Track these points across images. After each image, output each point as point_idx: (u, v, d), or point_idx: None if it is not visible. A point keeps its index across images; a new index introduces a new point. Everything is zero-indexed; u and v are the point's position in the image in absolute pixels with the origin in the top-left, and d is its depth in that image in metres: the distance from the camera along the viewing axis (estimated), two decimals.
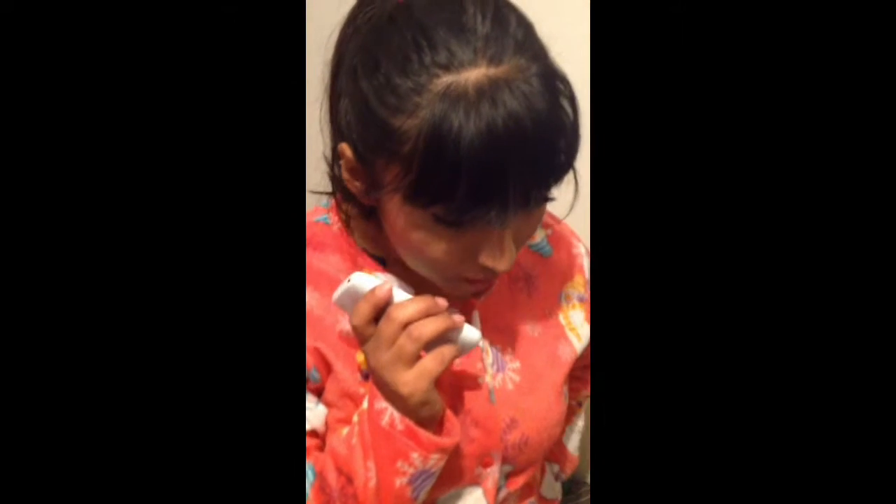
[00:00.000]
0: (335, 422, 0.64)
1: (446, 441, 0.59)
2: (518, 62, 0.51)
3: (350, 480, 0.59)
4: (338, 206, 0.66)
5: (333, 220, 0.67)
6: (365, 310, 0.57)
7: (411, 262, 0.59)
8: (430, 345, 0.57)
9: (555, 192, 0.57)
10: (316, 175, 0.66)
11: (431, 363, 0.57)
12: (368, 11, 0.56)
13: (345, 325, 0.63)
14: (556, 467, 0.86)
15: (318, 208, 0.69)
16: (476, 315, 0.68)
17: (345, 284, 0.59)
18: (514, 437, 0.67)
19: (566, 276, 0.74)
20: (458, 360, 0.62)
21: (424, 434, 0.57)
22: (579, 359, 0.73)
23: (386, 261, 0.65)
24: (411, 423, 0.57)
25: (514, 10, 0.54)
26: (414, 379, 0.56)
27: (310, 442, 0.63)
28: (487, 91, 0.49)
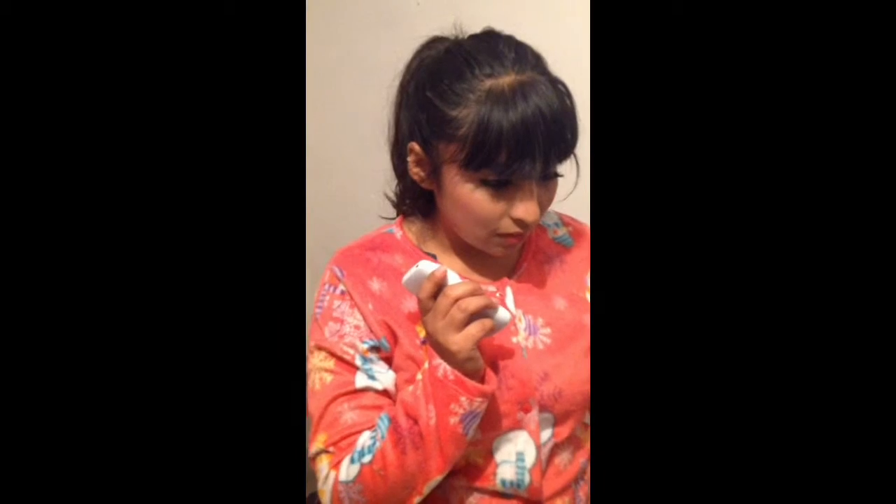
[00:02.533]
0: (403, 382, 0.82)
1: (487, 388, 0.77)
2: (534, 74, 0.75)
3: (416, 422, 0.77)
4: (401, 222, 0.89)
5: (397, 230, 0.89)
6: (428, 287, 0.77)
7: (461, 223, 0.81)
8: (474, 317, 0.76)
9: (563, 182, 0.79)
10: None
11: (474, 329, 0.75)
12: (429, 52, 0.82)
13: (407, 305, 0.83)
14: None
15: (386, 225, 0.91)
16: (509, 291, 0.86)
17: (413, 269, 0.78)
18: (548, 388, 0.84)
19: (589, 263, 0.92)
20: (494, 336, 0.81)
21: (470, 382, 0.76)
22: None
23: (437, 256, 0.85)
24: (460, 374, 0.75)
25: (529, 47, 0.79)
26: (462, 340, 0.75)
27: (384, 400, 0.82)
28: (518, 90, 0.73)
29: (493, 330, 0.77)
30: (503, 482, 0.84)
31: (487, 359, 0.81)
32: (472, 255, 0.86)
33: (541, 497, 0.85)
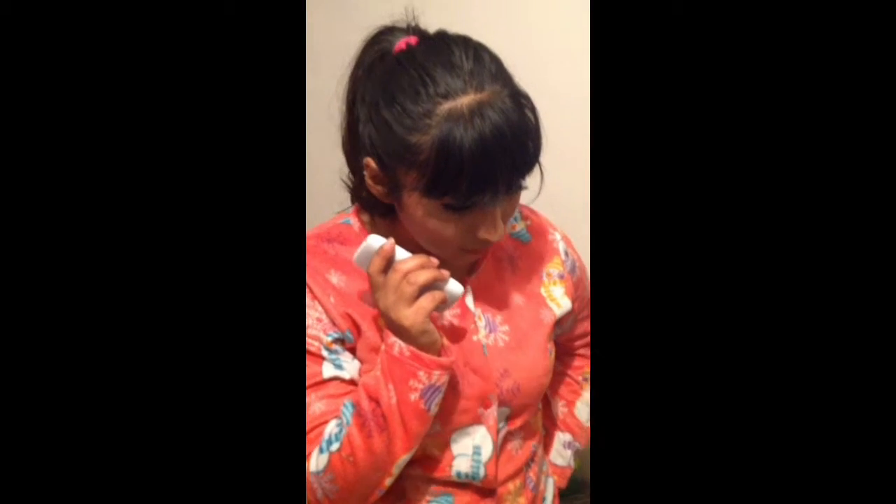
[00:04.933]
0: (366, 373, 0.84)
1: (444, 360, 0.78)
2: (494, 87, 0.72)
3: (378, 403, 0.78)
4: (357, 211, 0.89)
5: (354, 221, 0.88)
6: (377, 262, 0.78)
7: (426, 244, 0.81)
8: (425, 290, 0.77)
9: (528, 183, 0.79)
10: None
11: (425, 301, 0.77)
12: (372, 55, 0.79)
13: (368, 298, 0.83)
14: (567, 436, 1.05)
15: (342, 214, 0.91)
16: (469, 289, 0.88)
17: (362, 245, 0.79)
18: (507, 383, 0.86)
19: (544, 258, 0.95)
20: (456, 322, 0.85)
21: (426, 356, 0.77)
22: (560, 322, 0.94)
23: None
24: (415, 350, 0.77)
25: (487, 50, 0.76)
26: (413, 313, 0.76)
27: (351, 388, 0.82)
28: (476, 110, 0.70)
29: (444, 302, 0.78)
30: (458, 474, 0.86)
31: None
32: (432, 253, 0.89)
33: (495, 485, 0.88)
